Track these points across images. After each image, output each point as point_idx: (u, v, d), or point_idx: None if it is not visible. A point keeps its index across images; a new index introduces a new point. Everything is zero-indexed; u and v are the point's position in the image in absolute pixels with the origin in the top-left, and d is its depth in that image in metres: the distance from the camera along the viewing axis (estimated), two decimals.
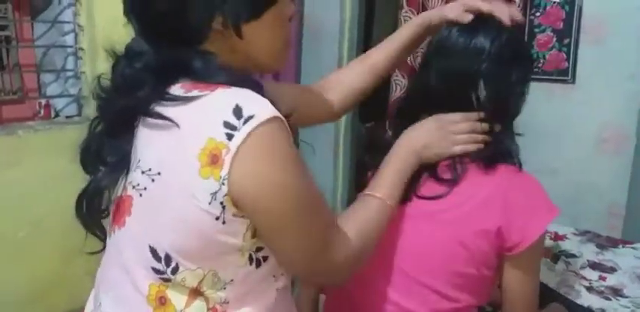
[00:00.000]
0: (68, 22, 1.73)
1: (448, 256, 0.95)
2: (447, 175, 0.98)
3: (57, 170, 1.56)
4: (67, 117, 1.80)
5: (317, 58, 2.59)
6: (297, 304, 1.15)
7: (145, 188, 0.70)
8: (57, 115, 1.82)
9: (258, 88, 0.69)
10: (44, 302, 1.63)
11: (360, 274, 0.94)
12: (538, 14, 2.17)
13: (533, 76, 2.20)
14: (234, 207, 0.66)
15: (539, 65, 2.18)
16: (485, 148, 0.98)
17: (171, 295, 0.72)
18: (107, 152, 0.76)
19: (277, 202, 0.67)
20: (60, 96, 1.80)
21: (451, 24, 1.02)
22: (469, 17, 1.00)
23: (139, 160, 0.71)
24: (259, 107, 0.65)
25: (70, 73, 1.79)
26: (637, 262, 1.44)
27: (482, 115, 0.97)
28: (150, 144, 0.71)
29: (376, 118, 2.68)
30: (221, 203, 0.65)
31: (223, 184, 0.64)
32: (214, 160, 0.63)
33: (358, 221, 0.83)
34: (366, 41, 2.71)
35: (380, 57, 1.11)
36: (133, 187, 0.72)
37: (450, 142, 0.97)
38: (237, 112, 0.64)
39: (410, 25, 1.10)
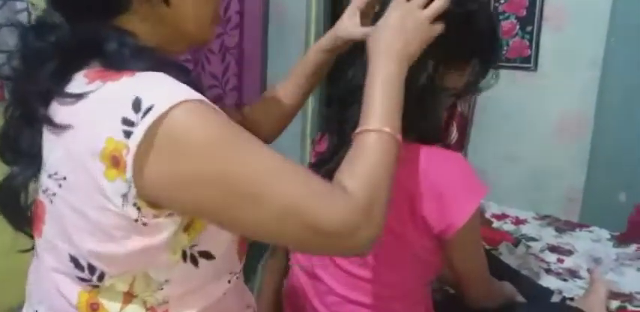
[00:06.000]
0: (21, 0, 1.65)
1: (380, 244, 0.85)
2: None
3: None
4: None
5: (283, 45, 2.56)
6: (260, 292, 1.13)
7: (54, 194, 0.63)
8: None
9: (184, 73, 0.62)
10: None
11: (308, 266, 0.95)
12: (502, 1, 2.18)
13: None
14: (154, 209, 0.59)
15: (503, 53, 2.21)
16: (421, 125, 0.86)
17: (104, 300, 0.66)
18: (24, 143, 0.67)
19: (198, 195, 0.58)
20: None
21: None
22: None
23: (45, 163, 0.64)
24: (160, 95, 0.57)
25: None
26: (593, 244, 1.48)
27: None
28: (52, 144, 0.63)
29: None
30: (135, 205, 0.58)
31: (130, 186, 0.57)
32: (116, 162, 0.56)
33: (354, 167, 0.68)
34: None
35: (290, 89, 1.02)
36: (43, 191, 0.65)
37: (424, 21, 0.79)
38: (137, 105, 0.56)
39: (316, 51, 1.00)
